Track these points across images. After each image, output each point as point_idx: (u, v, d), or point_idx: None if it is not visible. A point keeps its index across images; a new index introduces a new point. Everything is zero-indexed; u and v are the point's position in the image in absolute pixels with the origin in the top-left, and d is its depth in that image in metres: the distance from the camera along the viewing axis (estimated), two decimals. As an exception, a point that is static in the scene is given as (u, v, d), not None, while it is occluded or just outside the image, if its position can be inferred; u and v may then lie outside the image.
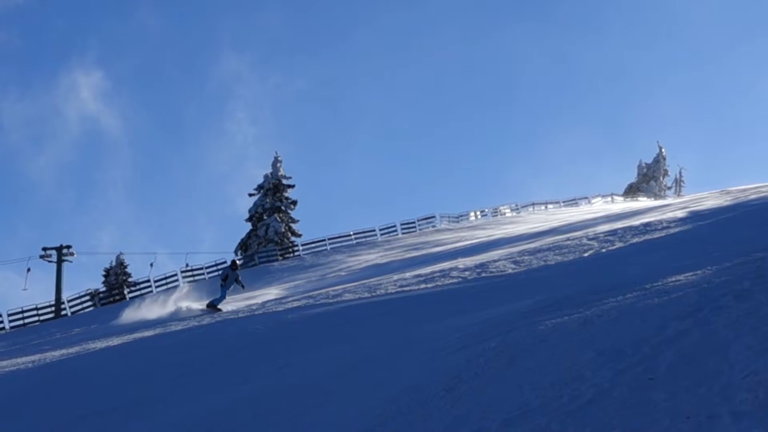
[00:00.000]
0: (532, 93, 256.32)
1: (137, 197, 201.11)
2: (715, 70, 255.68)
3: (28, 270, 56.91)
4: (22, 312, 52.57)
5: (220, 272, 40.58)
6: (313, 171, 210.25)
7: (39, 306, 53.98)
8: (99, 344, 25.11)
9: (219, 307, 31.21)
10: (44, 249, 58.23)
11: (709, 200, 40.73)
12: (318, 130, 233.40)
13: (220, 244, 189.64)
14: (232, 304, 32.79)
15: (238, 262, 35.60)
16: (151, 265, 63.62)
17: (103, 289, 64.11)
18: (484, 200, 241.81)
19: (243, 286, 33.15)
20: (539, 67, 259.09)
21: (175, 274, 59.32)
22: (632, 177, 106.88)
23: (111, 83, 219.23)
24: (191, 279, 58.70)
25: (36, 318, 52.61)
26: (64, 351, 24.94)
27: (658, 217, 33.60)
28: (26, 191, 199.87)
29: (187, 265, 61.56)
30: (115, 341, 25.20)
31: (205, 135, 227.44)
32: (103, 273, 71.99)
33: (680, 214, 33.48)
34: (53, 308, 54.93)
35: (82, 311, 54.96)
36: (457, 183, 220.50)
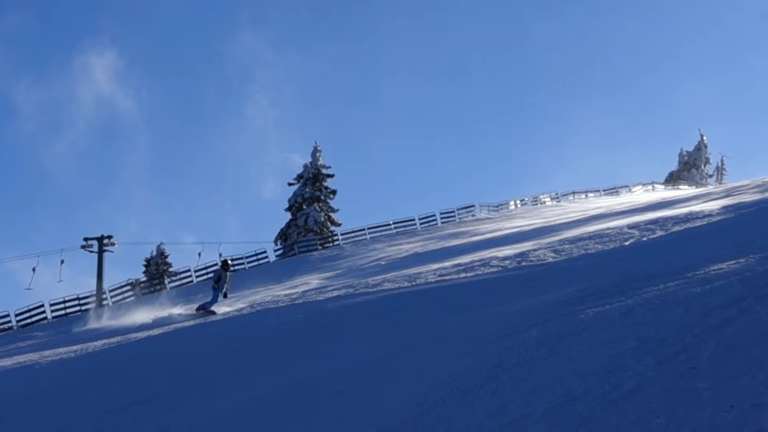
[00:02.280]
0: (565, 78, 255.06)
1: (157, 182, 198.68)
2: (753, 53, 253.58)
3: (62, 262, 57.07)
4: (64, 302, 52.95)
5: (212, 274, 36.63)
6: (339, 156, 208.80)
7: (80, 296, 54.35)
8: (140, 334, 25.27)
9: (212, 309, 29.21)
10: (85, 239, 58.48)
11: (752, 188, 40.50)
12: (341, 114, 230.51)
13: (246, 230, 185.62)
14: (269, 293, 32.83)
15: (230, 261, 32.48)
16: (199, 254, 63.75)
17: (144, 278, 64.51)
18: (519, 187, 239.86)
19: (225, 295, 30.50)
20: (573, 53, 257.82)
21: (216, 264, 59.38)
22: (673, 165, 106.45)
23: (125, 63, 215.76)
24: (231, 270, 58.74)
25: (78, 308, 52.95)
26: (105, 340, 25.12)
27: (700, 206, 33.42)
28: (44, 179, 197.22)
29: (220, 255, 61.59)
30: (156, 331, 25.35)
31: (224, 116, 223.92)
32: (144, 263, 72.63)
33: (722, 202, 33.29)
34: (95, 298, 55.29)
35: (123, 301, 55.23)
36: (488, 170, 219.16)
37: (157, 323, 28.67)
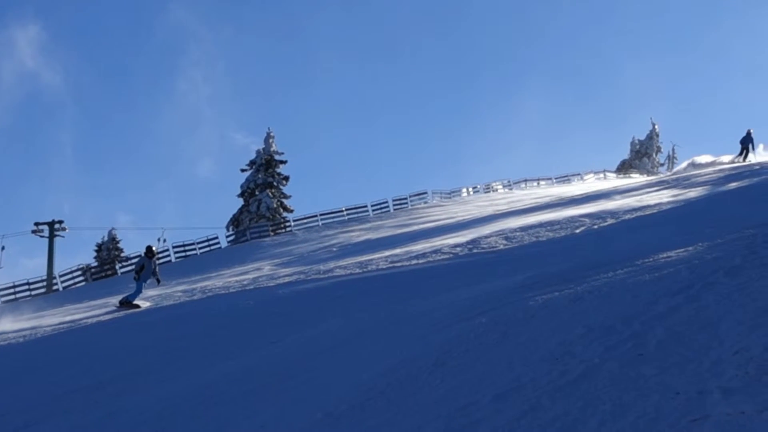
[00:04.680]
0: (508, 61, 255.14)
1: (87, 161, 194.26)
2: (698, 37, 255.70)
3: (2, 248, 56.64)
4: (14, 287, 52.48)
5: (135, 262, 33.57)
6: (278, 135, 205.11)
7: (31, 281, 53.91)
8: (90, 319, 25.11)
9: (136, 303, 27.07)
10: (36, 224, 58.15)
11: (702, 177, 40.79)
12: (277, 94, 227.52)
13: (182, 211, 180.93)
14: (221, 279, 32.68)
15: (154, 248, 29.35)
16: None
17: (95, 264, 64.04)
18: (470, 173, 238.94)
19: (159, 281, 28.89)
20: (514, 34, 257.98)
21: (167, 250, 59.08)
22: (625, 153, 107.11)
23: (50, 36, 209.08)
24: (183, 255, 58.61)
25: (28, 293, 52.48)
26: (55, 325, 24.93)
27: (651, 194, 33.62)
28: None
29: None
30: (106, 317, 25.21)
31: (154, 92, 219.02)
32: (95, 248, 72.12)
33: (673, 191, 33.50)
34: (45, 283, 54.86)
35: (73, 286, 54.84)
36: (437, 156, 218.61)
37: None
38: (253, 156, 71.75)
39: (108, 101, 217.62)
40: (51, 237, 58.17)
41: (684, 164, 60.22)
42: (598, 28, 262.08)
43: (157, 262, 29.38)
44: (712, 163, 50.59)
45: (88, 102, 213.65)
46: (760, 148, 50.92)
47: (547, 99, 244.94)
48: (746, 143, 49.51)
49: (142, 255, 28.92)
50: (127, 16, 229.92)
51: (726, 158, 51.53)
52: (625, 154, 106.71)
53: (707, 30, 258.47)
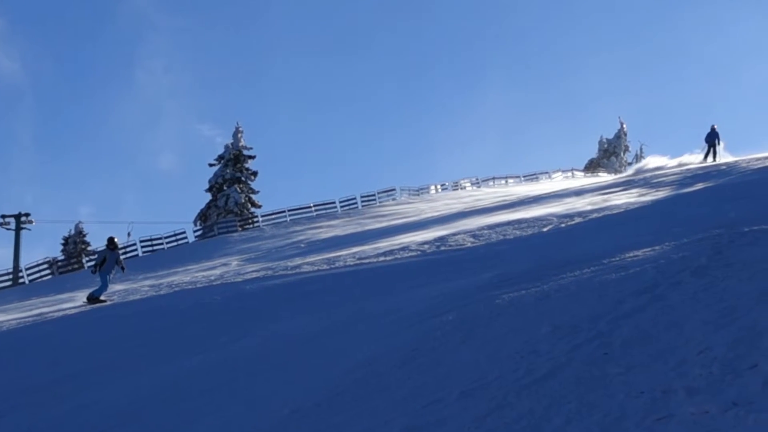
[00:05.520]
0: (470, 55, 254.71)
1: (47, 152, 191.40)
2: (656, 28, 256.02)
3: None
4: (-21, 279, 52.23)
5: (97, 256, 31.60)
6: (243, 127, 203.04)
7: (-3, 273, 53.66)
8: (57, 313, 24.99)
9: (102, 298, 26.81)
10: (2, 216, 57.76)
11: (669, 177, 41.00)
12: (238, 81, 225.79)
13: (145, 204, 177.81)
14: (188, 274, 32.56)
15: (116, 239, 28.69)
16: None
17: (62, 257, 63.73)
18: (437, 168, 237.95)
19: (123, 268, 28.28)
20: (475, 27, 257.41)
21: (134, 244, 58.86)
22: (593, 152, 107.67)
23: (7, 23, 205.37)
24: (150, 250, 58.40)
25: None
26: (21, 319, 24.78)
27: (618, 193, 33.78)
28: None
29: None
30: (72, 311, 25.08)
31: (114, 81, 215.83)
32: (62, 241, 71.85)
33: (641, 190, 33.66)
34: (11, 276, 54.54)
35: (40, 279, 54.53)
36: (400, 151, 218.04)
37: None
38: (217, 148, 71.90)
39: (67, 90, 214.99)
40: (17, 229, 57.85)
41: (631, 170, 60.08)
42: (558, 21, 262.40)
43: (120, 253, 28.58)
44: (661, 168, 49.47)
45: (47, 90, 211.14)
46: (721, 147, 49.94)
47: (508, 92, 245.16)
48: (712, 140, 48.05)
49: (105, 247, 28.48)
50: (85, 4, 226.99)
51: (674, 162, 50.62)
52: (593, 150, 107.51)
53: (666, 25, 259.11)
